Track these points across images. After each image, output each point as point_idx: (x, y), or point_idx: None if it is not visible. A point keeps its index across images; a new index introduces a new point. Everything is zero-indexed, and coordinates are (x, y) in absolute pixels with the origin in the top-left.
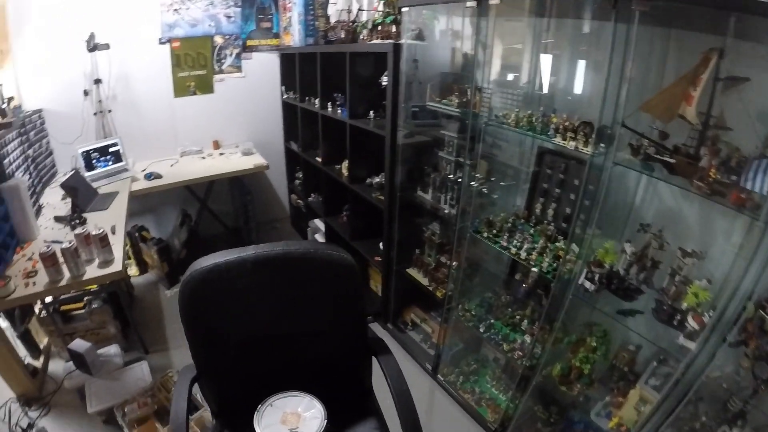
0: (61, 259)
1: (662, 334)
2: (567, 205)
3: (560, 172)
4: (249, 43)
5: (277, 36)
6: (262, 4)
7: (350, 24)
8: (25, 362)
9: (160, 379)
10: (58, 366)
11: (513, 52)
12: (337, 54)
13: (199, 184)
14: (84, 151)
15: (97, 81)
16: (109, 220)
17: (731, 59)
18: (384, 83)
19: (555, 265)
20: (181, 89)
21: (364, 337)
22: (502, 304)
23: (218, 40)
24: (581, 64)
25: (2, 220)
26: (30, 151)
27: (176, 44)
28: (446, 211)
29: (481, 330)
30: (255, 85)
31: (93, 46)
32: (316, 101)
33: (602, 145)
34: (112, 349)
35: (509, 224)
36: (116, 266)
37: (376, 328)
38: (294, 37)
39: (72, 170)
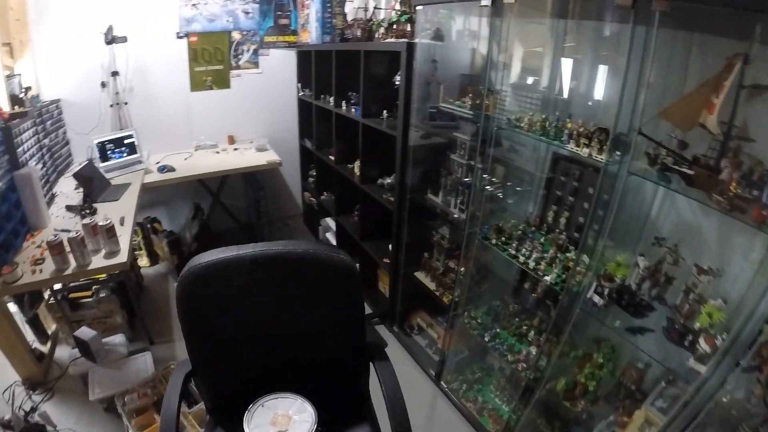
0: (67, 248)
1: (672, 353)
2: (580, 214)
3: (574, 179)
4: (267, 39)
5: (294, 33)
6: (281, 1)
7: (366, 22)
8: (32, 347)
9: (161, 370)
10: (64, 352)
11: (531, 54)
12: (352, 52)
13: (213, 178)
14: (99, 142)
15: (115, 73)
16: (119, 211)
17: (757, 66)
18: (397, 83)
19: (564, 276)
20: (197, 84)
21: (362, 341)
22: (509, 314)
23: (236, 35)
24: (601, 68)
25: (14, 208)
26: (46, 141)
27: (194, 39)
28: (455, 216)
29: (486, 339)
30: (272, 81)
31: (111, 39)
32: (331, 99)
33: (618, 153)
34: (118, 339)
35: (519, 231)
36: (122, 257)
37: (382, 331)
38: (311, 35)
39: (86, 160)
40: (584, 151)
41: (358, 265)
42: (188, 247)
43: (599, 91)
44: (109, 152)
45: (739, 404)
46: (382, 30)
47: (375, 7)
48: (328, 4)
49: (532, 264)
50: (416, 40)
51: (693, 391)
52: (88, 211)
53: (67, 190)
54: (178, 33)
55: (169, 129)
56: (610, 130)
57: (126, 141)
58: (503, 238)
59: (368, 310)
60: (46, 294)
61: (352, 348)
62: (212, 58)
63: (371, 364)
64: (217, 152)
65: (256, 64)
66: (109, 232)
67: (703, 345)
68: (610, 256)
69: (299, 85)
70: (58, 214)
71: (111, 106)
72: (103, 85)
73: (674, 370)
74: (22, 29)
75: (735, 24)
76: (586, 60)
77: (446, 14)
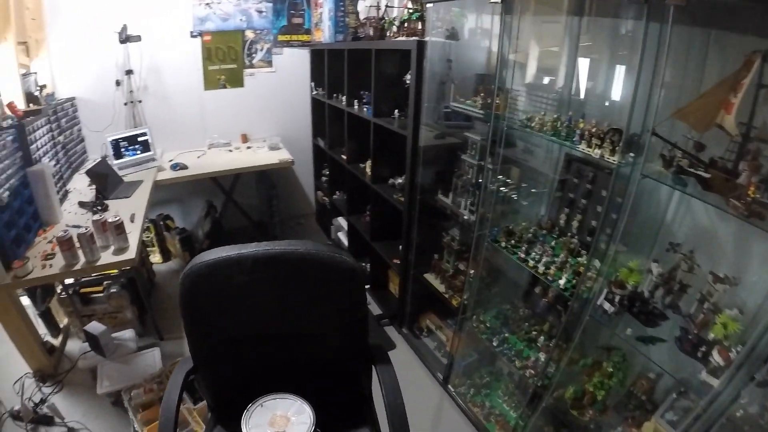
0: (77, 244)
1: (684, 364)
2: (593, 218)
3: (588, 181)
4: (280, 38)
5: (308, 32)
6: (294, 0)
7: (378, 21)
8: (44, 340)
9: (169, 366)
10: (75, 346)
11: (545, 53)
12: (364, 51)
13: (225, 176)
14: (113, 140)
15: (129, 72)
16: (131, 208)
17: None
18: (408, 82)
19: (574, 281)
20: (211, 82)
21: (364, 343)
22: (519, 318)
23: (249, 34)
24: (616, 67)
25: (26, 204)
26: (60, 138)
27: (207, 38)
28: (465, 217)
29: (495, 344)
30: (285, 80)
31: (125, 38)
32: (343, 98)
33: (631, 154)
34: (127, 334)
35: (530, 234)
36: (130, 254)
37: (391, 332)
38: (324, 34)
39: (100, 157)
40: (596, 152)
41: (368, 265)
42: (200, 244)
43: (614, 91)
44: (123, 150)
45: (753, 419)
46: (394, 28)
47: (387, 6)
48: (341, 3)
49: (541, 268)
50: (427, 39)
51: (705, 404)
52: (99, 208)
53: (81, 186)
54: (191, 32)
55: (183, 127)
56: (623, 131)
57: (140, 139)
58: (513, 241)
59: (378, 311)
60: (58, 288)
61: (354, 350)
62: (226, 57)
63: (373, 367)
64: (230, 150)
65: (269, 63)
66: (118, 228)
67: (716, 357)
68: (622, 262)
69: (312, 84)
70: (71, 210)
71: (125, 104)
72: (118, 83)
73: (686, 381)
74: (37, 28)
75: (754, 19)
76: (600, 59)
77: (458, 12)
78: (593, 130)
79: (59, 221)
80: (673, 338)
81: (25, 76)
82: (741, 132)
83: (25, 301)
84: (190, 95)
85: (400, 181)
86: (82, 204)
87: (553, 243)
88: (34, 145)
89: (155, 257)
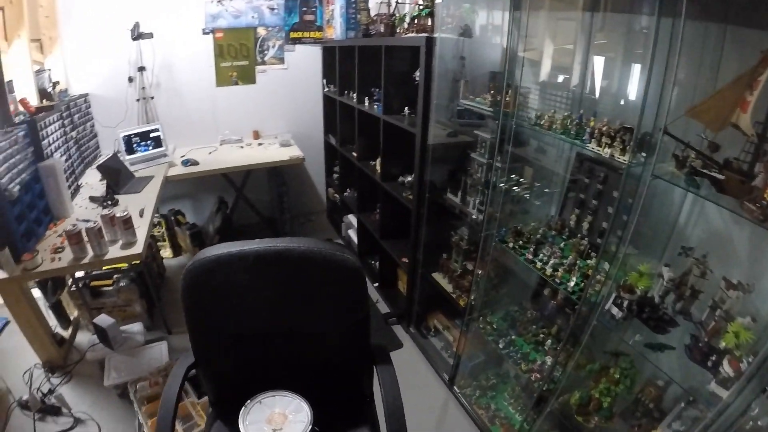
0: (85, 238)
1: (694, 372)
2: (604, 219)
3: (599, 182)
4: (292, 35)
5: (320, 29)
6: None
7: (389, 17)
8: (54, 331)
9: (175, 360)
10: (84, 338)
11: (559, 50)
12: (374, 48)
13: (237, 172)
14: (125, 135)
15: (141, 68)
16: (140, 203)
17: None
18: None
19: (582, 284)
20: (223, 79)
21: (365, 343)
22: (527, 320)
23: (261, 31)
24: (630, 65)
25: (37, 198)
26: (73, 133)
27: (219, 35)
28: (474, 216)
29: (501, 346)
30: (297, 77)
31: (137, 35)
32: (354, 95)
33: (643, 154)
34: (136, 327)
35: (539, 235)
36: (137, 248)
37: (399, 331)
38: (336, 30)
39: (112, 153)
40: (606, 152)
41: (377, 263)
42: (210, 240)
43: (629, 89)
44: (134, 145)
45: None
46: (404, 25)
47: (397, 2)
48: (352, 0)
49: (549, 270)
50: (436, 35)
51: (714, 415)
52: (109, 203)
53: (93, 181)
54: (203, 29)
55: (195, 123)
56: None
57: (152, 135)
58: (521, 242)
59: (386, 309)
60: (69, 281)
61: (355, 349)
62: (238, 54)
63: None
64: (242, 147)
65: (281, 60)
66: (126, 223)
67: (726, 368)
68: (633, 265)
69: (324, 81)
70: (82, 205)
71: (137, 100)
72: (130, 80)
73: (695, 391)
74: (51, 26)
75: None
76: (615, 57)
77: (469, 8)
78: (604, 128)
79: (70, 215)
80: (683, 346)
81: (38, 72)
82: (757, 132)
83: (37, 293)
84: (202, 92)
85: (409, 179)
86: (92, 198)
87: (562, 244)
88: (45, 141)
89: (166, 252)
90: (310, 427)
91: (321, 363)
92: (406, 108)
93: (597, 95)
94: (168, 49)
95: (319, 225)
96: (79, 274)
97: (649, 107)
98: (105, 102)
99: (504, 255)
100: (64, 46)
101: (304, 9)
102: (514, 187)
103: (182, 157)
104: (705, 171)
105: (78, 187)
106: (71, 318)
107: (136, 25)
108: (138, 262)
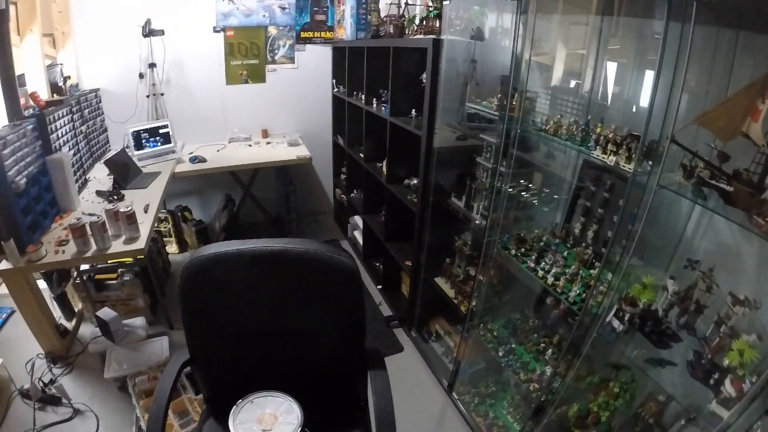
0: (89, 232)
1: (696, 389)
2: (609, 228)
3: (605, 190)
4: (303, 35)
5: (331, 29)
6: None
7: (399, 18)
8: (58, 323)
9: (174, 355)
10: (87, 330)
11: (570, 55)
12: (383, 49)
13: (244, 170)
14: (134, 131)
15: (152, 65)
16: (146, 199)
17: None
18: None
19: (584, 294)
20: (233, 77)
21: (360, 346)
22: (528, 329)
23: (272, 30)
24: (644, 71)
25: (44, 191)
26: (83, 128)
27: (230, 33)
28: (477, 222)
29: (500, 354)
30: (307, 77)
31: (148, 32)
32: (362, 96)
33: (649, 162)
34: (138, 321)
35: (541, 243)
36: (140, 244)
37: (400, 334)
38: (346, 31)
39: (121, 148)
40: (611, 159)
41: (381, 266)
42: (216, 236)
43: (639, 96)
44: (143, 141)
45: None
46: (414, 26)
47: (407, 3)
48: (363, 1)
49: (550, 279)
50: (443, 37)
51: None
52: (115, 197)
53: (101, 175)
54: (214, 27)
55: (204, 121)
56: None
57: (161, 131)
58: (523, 249)
59: (389, 312)
60: (74, 273)
61: (349, 352)
62: (248, 53)
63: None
64: (250, 145)
65: (291, 60)
66: (130, 218)
67: (728, 388)
68: (637, 276)
69: (334, 81)
70: (89, 199)
71: (147, 96)
72: (141, 76)
73: (696, 408)
74: (64, 21)
75: None
76: (627, 63)
77: (478, 11)
78: (611, 135)
79: (76, 209)
80: (685, 362)
81: (50, 67)
82: None
83: (42, 284)
84: (212, 89)
85: (415, 181)
86: (99, 193)
87: (565, 253)
88: (54, 135)
89: (172, 248)
90: (300, 428)
91: (315, 365)
92: (414, 110)
93: (609, 101)
94: (179, 46)
95: (326, 225)
96: (84, 267)
97: (657, 114)
98: (115, 97)
99: (507, 261)
100: (76, 41)
101: (315, 9)
102: (522, 193)
103: (190, 153)
104: (713, 182)
105: (86, 181)
106: (75, 310)
107: (148, 22)
108: (141, 257)
